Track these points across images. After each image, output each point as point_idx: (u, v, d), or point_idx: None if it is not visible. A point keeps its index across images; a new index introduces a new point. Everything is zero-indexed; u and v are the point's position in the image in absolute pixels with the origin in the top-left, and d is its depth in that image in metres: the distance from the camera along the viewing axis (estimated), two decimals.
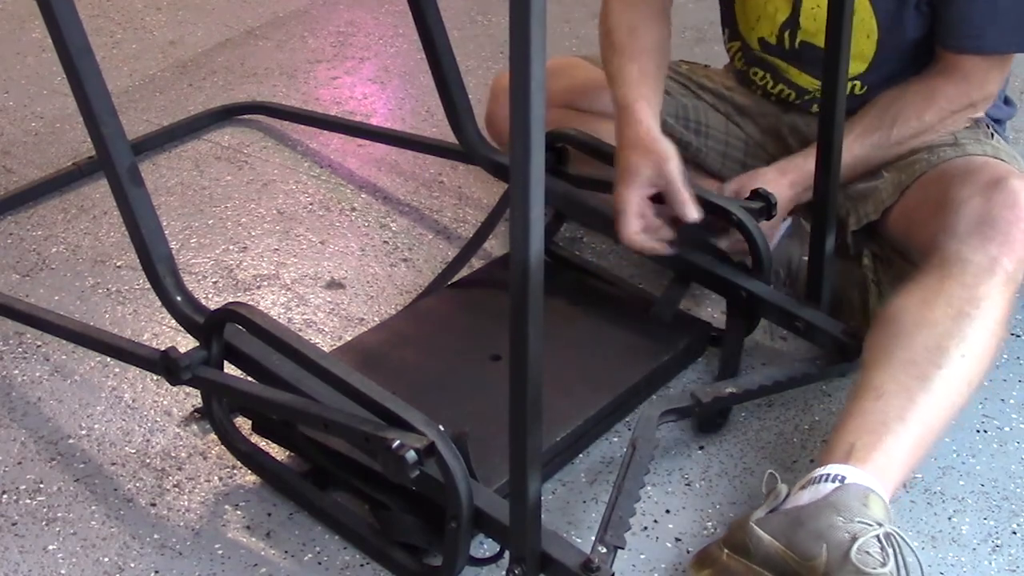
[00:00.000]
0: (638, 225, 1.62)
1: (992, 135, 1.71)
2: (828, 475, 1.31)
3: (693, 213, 1.61)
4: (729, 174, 1.83)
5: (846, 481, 1.30)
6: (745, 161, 1.87)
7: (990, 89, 1.68)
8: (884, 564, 1.22)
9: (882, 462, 1.34)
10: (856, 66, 1.68)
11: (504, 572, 1.25)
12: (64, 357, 1.73)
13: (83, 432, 1.60)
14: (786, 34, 1.77)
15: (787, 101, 1.83)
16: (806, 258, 1.70)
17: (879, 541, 1.23)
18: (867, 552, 1.22)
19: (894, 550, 1.24)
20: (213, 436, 1.53)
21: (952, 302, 1.45)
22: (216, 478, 1.51)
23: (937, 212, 1.55)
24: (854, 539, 1.23)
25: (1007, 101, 1.81)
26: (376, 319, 1.80)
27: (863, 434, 1.36)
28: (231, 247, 2.00)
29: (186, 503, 1.48)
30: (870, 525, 1.25)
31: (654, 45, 1.74)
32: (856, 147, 1.67)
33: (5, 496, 1.49)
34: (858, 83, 1.73)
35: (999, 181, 1.53)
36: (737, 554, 1.30)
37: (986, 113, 1.73)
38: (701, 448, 1.55)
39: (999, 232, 1.48)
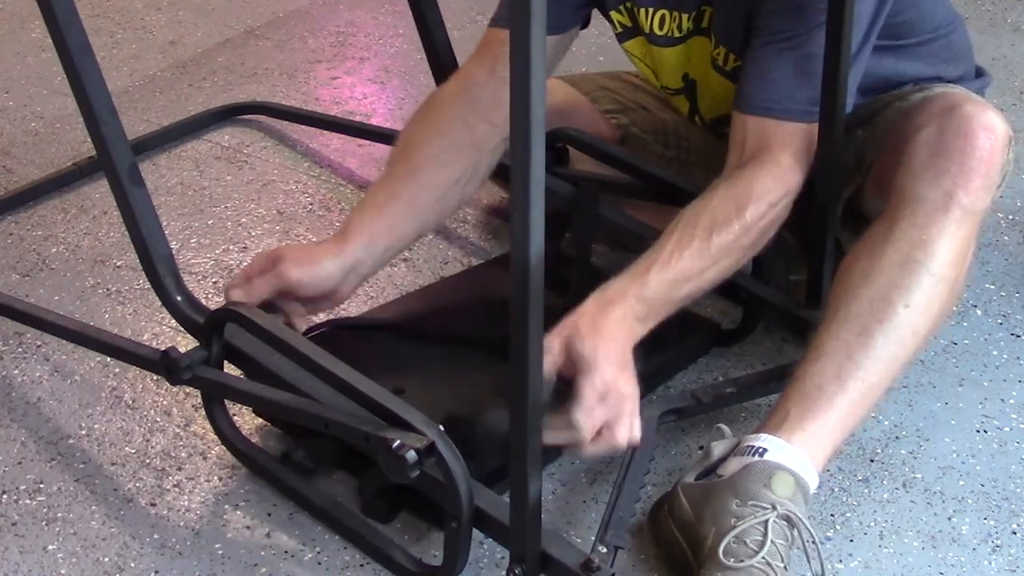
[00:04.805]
0: (241, 285, 1.49)
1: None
2: (752, 447, 1.32)
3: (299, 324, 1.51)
4: None
5: (764, 456, 1.30)
6: None
7: (799, 173, 1.49)
8: (756, 553, 1.23)
9: (813, 428, 1.33)
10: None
11: (504, 572, 1.25)
12: (64, 357, 1.73)
13: (83, 432, 1.60)
14: (695, 118, 1.77)
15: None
16: (793, 277, 1.69)
17: (763, 527, 1.24)
18: (744, 541, 1.24)
19: (786, 532, 1.25)
20: (213, 436, 1.53)
21: (901, 247, 1.40)
22: (216, 478, 1.51)
23: (896, 149, 1.48)
24: (733, 528, 1.25)
25: (979, 73, 1.74)
26: None
27: (798, 400, 1.36)
28: (231, 247, 2.00)
29: (186, 503, 1.48)
30: (764, 508, 1.26)
31: (432, 182, 1.57)
32: (676, 263, 1.42)
33: (5, 496, 1.49)
34: None
35: (953, 107, 1.45)
36: (671, 514, 1.34)
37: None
38: (701, 448, 1.55)
39: (953, 163, 1.41)
